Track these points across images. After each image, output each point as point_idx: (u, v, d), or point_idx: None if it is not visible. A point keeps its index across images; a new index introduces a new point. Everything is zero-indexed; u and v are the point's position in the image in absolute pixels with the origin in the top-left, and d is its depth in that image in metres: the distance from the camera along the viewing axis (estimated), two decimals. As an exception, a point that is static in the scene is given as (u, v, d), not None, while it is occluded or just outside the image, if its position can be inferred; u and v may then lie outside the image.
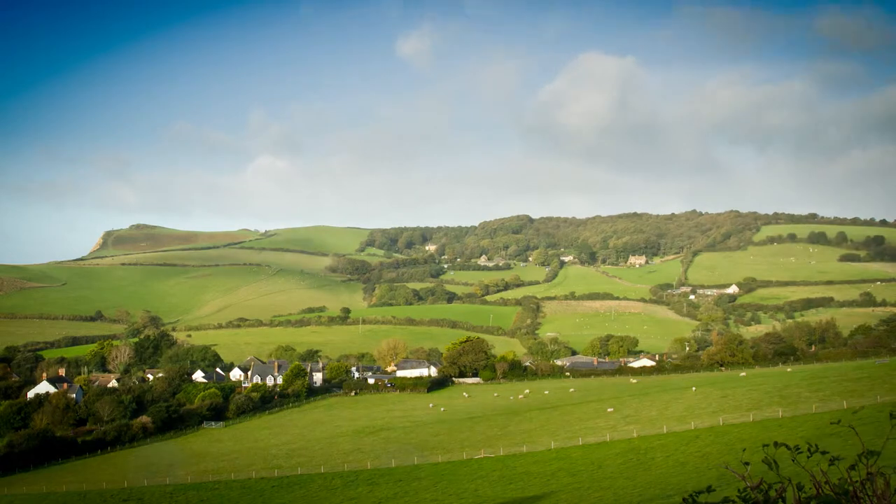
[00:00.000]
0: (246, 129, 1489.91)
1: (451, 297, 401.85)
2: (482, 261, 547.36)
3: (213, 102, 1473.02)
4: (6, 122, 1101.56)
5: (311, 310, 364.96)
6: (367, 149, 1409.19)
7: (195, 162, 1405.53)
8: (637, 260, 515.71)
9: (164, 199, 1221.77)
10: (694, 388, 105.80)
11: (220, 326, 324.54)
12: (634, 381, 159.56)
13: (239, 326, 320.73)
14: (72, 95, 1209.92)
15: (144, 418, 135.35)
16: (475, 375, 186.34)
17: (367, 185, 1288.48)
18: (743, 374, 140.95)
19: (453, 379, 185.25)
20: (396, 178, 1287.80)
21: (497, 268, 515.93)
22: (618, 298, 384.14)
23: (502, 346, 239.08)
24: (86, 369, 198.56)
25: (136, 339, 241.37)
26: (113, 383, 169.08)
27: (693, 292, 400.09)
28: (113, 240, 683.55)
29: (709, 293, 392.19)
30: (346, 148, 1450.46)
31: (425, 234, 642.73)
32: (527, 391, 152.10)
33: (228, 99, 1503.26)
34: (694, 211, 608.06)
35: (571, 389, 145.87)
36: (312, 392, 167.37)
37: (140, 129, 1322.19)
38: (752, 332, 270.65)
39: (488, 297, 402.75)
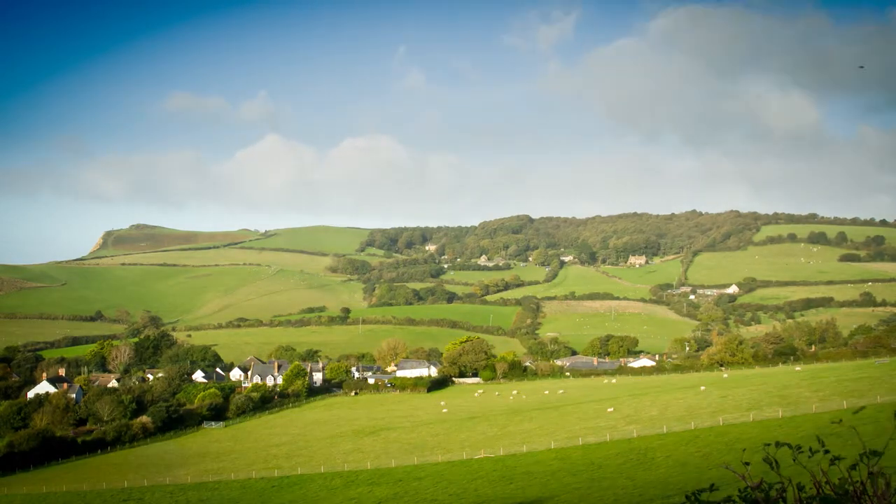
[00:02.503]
0: (237, 103, 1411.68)
1: (451, 297, 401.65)
2: (482, 261, 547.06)
3: (199, 71, 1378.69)
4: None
5: (311, 310, 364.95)
6: (370, 134, 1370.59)
7: (168, 141, 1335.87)
8: (637, 260, 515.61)
9: (152, 188, 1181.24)
10: (701, 388, 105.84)
11: (220, 326, 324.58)
12: (607, 381, 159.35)
13: (239, 326, 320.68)
14: (24, 75, 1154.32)
15: (144, 418, 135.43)
16: (475, 375, 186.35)
17: (369, 178, 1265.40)
18: (725, 375, 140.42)
19: (453, 379, 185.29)
20: (399, 174, 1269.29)
21: (497, 268, 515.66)
22: (618, 298, 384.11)
23: (502, 346, 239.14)
24: (86, 369, 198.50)
25: (136, 339, 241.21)
26: (113, 383, 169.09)
27: (693, 292, 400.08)
28: (113, 240, 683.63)
29: (709, 293, 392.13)
30: (347, 134, 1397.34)
31: (425, 234, 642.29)
32: (526, 391, 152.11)
33: (219, 66, 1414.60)
34: (694, 211, 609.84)
35: (561, 391, 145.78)
36: (312, 392, 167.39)
37: (113, 110, 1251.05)
38: (752, 332, 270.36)
39: (488, 297, 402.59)
